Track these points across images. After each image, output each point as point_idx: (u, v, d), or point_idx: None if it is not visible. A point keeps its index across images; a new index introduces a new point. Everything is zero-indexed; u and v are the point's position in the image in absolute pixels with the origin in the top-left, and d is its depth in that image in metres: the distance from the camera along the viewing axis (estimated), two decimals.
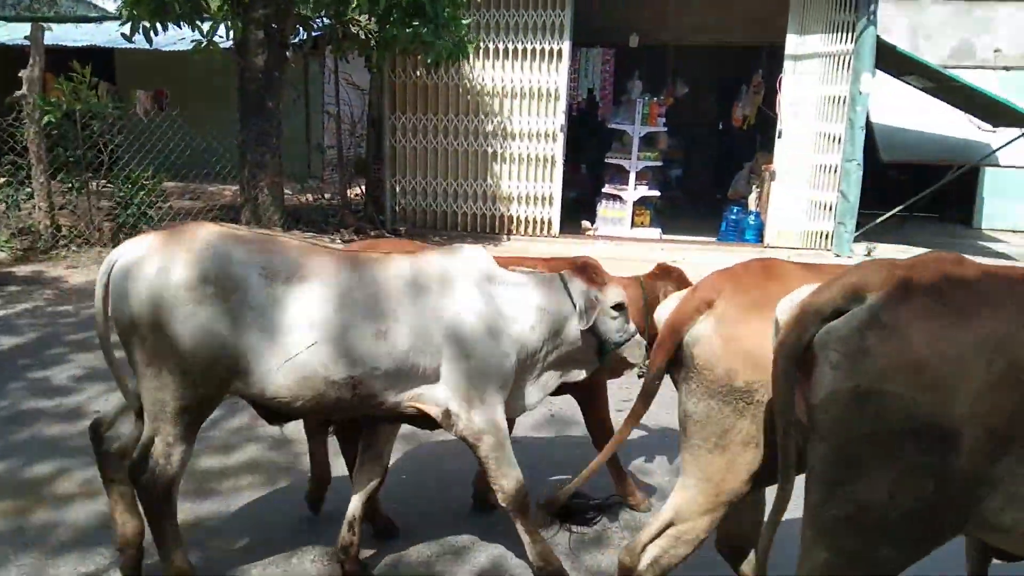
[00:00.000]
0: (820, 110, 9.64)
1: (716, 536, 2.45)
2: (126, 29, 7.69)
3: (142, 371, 2.45)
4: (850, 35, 9.20)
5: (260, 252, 2.48)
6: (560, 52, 9.74)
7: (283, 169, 8.89)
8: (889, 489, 1.65)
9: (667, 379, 2.32)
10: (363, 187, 10.74)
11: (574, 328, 2.83)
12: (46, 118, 7.84)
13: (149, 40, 7.79)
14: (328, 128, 11.93)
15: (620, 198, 10.33)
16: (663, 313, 2.36)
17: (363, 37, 8.73)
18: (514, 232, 10.16)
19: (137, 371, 2.48)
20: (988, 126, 11.21)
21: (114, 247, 2.81)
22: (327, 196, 10.92)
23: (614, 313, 2.88)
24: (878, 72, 9.78)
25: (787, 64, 9.71)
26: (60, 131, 8.08)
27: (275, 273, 2.46)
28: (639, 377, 2.95)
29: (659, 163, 10.56)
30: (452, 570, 3.05)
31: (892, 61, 9.92)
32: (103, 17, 14.07)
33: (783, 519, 1.94)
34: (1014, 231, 12.54)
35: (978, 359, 1.60)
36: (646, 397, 2.34)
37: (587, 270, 2.92)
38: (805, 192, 9.86)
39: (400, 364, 2.58)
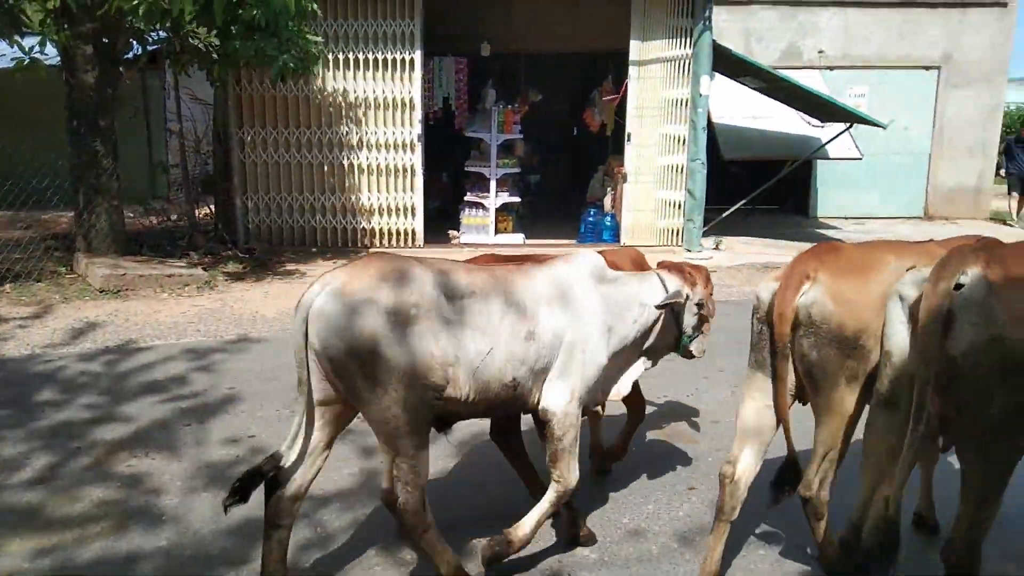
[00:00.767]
0: (664, 113, 10.05)
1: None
2: None
3: (367, 396, 2.62)
4: (688, 40, 9.63)
5: (438, 274, 2.74)
6: (412, 62, 9.69)
7: (122, 192, 8.38)
8: (1017, 401, 2.31)
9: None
10: (212, 206, 10.26)
11: (663, 321, 3.21)
12: None
13: None
14: (171, 146, 11.29)
15: (483, 205, 10.41)
16: (764, 292, 2.92)
17: (204, 50, 8.33)
18: (376, 245, 9.97)
19: (361, 398, 2.64)
20: (817, 122, 12.11)
21: None
22: (174, 218, 10.36)
23: (695, 309, 3.27)
24: (716, 75, 10.32)
25: (631, 69, 10.09)
26: None
27: (454, 291, 2.73)
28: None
29: (517, 170, 10.72)
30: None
31: (728, 64, 10.50)
32: None
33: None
34: (844, 217, 13.60)
35: None
36: (784, 360, 2.83)
37: (683, 269, 3.31)
38: (655, 192, 10.27)
39: (543, 362, 2.88)
